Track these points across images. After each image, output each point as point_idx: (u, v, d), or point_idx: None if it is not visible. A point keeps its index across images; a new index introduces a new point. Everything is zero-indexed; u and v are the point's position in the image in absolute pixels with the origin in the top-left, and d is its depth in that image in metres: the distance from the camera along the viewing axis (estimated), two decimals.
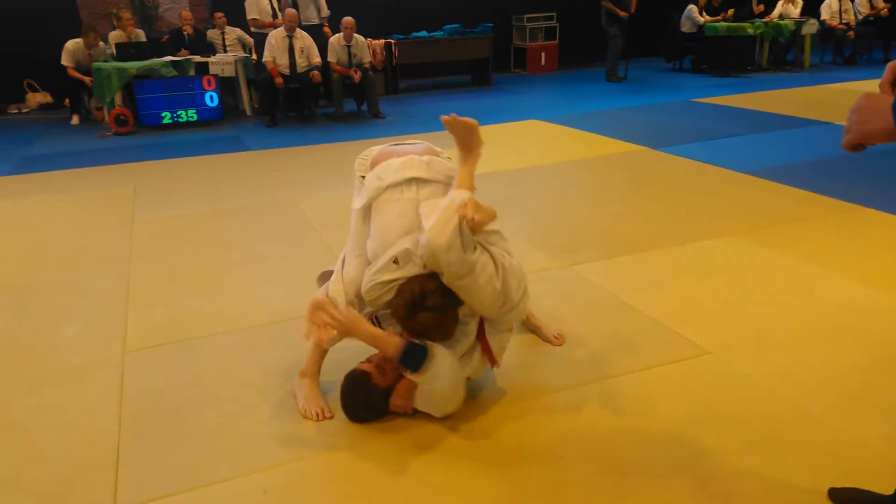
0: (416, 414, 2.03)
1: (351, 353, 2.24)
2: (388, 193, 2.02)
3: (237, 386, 2.29)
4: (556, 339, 2.46)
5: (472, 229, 1.83)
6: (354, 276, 2.05)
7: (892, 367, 2.22)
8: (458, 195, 1.89)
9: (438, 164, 2.12)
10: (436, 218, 1.82)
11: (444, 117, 2.02)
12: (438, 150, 2.25)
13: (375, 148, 2.26)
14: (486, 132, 6.75)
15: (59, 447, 2.00)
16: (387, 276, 1.92)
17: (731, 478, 1.75)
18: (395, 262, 1.92)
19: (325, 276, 2.25)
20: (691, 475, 1.77)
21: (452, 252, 1.79)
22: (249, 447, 1.96)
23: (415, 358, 1.87)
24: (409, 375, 1.89)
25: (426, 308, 1.84)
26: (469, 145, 2.03)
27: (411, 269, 1.90)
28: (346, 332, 1.95)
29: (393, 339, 1.90)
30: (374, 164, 2.16)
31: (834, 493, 1.64)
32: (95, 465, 1.91)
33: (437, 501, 1.73)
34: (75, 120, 7.66)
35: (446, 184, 2.05)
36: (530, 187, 4.47)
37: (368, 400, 2.01)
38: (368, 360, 2.07)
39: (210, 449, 1.97)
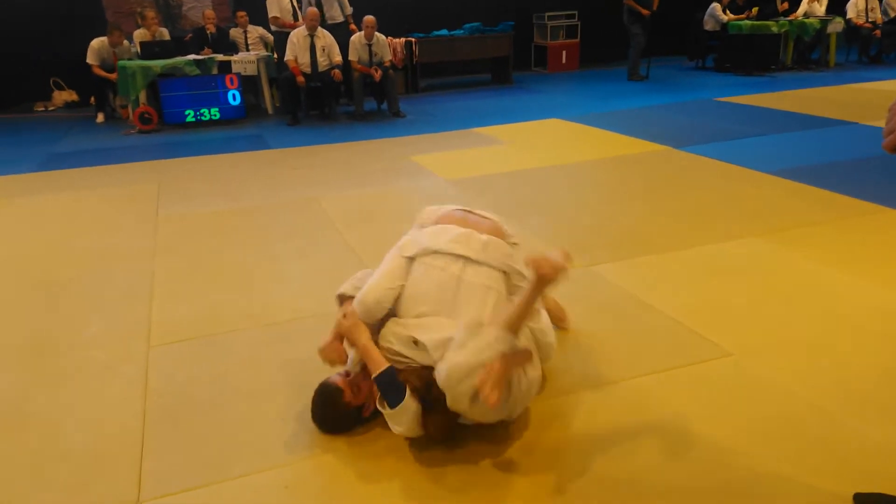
0: None
1: None
2: (434, 259, 2.01)
3: (259, 382, 2.31)
4: (561, 321, 2.51)
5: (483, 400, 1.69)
6: (380, 298, 2.02)
7: None
8: (489, 345, 1.70)
9: (496, 247, 2.06)
10: (462, 358, 1.70)
11: (529, 258, 1.75)
12: (507, 230, 2.19)
13: (448, 207, 2.26)
14: (506, 131, 6.79)
15: (84, 441, 2.04)
16: (400, 348, 1.93)
17: (752, 479, 1.74)
18: (415, 342, 1.90)
19: (342, 298, 2.23)
20: (713, 477, 1.76)
21: (459, 401, 1.73)
22: (271, 442, 1.99)
23: (393, 393, 1.85)
24: (378, 403, 1.91)
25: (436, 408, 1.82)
26: (546, 282, 1.75)
27: (425, 358, 1.88)
28: (346, 333, 1.99)
29: (381, 363, 1.91)
30: (437, 220, 2.16)
31: (859, 498, 1.62)
32: (119, 459, 1.95)
33: (460, 499, 1.73)
34: (100, 118, 7.78)
35: (499, 269, 2.02)
36: (550, 187, 4.46)
37: (337, 414, 1.99)
38: (346, 374, 2.04)
39: (232, 444, 1.99)
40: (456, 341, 1.75)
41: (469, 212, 2.22)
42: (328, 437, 2.00)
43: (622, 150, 5.30)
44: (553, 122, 6.58)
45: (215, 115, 7.32)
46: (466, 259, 1.99)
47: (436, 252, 2.01)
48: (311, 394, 2.19)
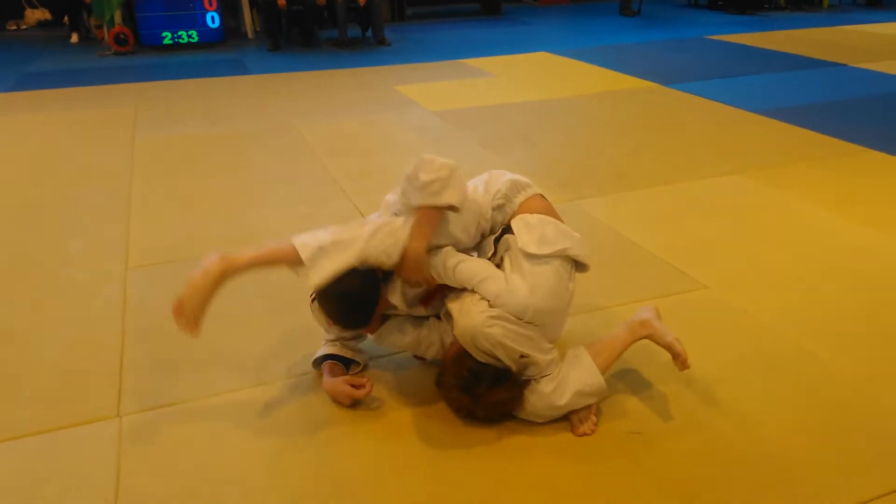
0: None
1: None
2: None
3: (238, 305, 2.31)
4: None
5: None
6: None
7: (890, 308, 2.24)
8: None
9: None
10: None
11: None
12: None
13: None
14: (494, 63, 6.64)
15: (63, 358, 2.04)
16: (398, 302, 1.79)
17: (717, 407, 1.79)
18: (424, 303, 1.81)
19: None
20: (679, 402, 1.81)
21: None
22: (251, 363, 2.00)
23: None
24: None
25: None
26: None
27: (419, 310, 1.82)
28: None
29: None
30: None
31: None
32: (98, 375, 1.95)
33: (441, 424, 1.77)
34: (74, 38, 7.49)
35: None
36: (537, 120, 4.41)
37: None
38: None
39: (211, 364, 2.00)
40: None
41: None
42: (308, 359, 2.01)
43: (611, 86, 5.23)
44: (542, 56, 6.45)
45: (193, 38, 7.08)
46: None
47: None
48: (289, 319, 2.20)
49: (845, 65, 5.72)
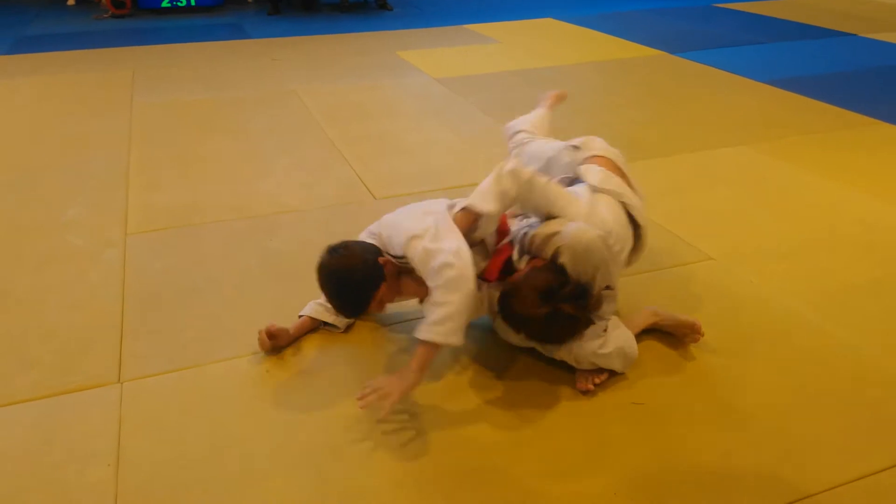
0: None
1: None
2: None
3: (239, 272, 2.29)
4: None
5: None
6: None
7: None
8: None
9: None
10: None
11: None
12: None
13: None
14: (499, 29, 6.52)
15: (64, 324, 2.02)
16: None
17: (720, 378, 1.78)
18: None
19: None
20: (682, 373, 1.80)
21: None
22: (252, 329, 1.97)
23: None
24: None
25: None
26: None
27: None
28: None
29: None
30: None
31: None
32: (99, 341, 1.94)
33: (445, 388, 1.76)
34: (71, 0, 7.35)
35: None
36: (541, 89, 4.29)
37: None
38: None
39: (212, 329, 1.99)
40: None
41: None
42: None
43: (617, 54, 5.14)
44: (547, 22, 6.33)
45: (192, 1, 6.94)
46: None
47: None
48: (290, 286, 2.18)
49: (855, 34, 5.62)
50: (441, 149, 3.36)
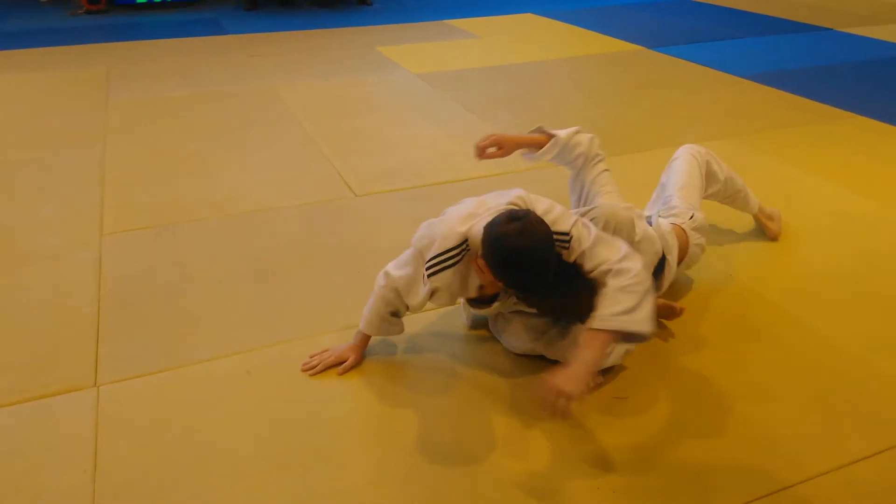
0: None
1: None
2: None
3: (219, 271, 2.26)
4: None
5: None
6: None
7: (872, 272, 2.24)
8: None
9: None
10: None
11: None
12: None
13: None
14: (480, 24, 6.48)
15: (38, 325, 1.98)
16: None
17: (700, 373, 1.79)
18: None
19: None
20: (661, 366, 1.81)
21: None
22: (232, 329, 1.96)
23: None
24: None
25: None
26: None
27: None
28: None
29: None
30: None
31: None
32: (75, 343, 1.90)
33: (415, 384, 1.75)
34: None
35: None
36: (522, 84, 4.33)
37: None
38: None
39: (192, 330, 1.96)
40: None
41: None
42: (291, 327, 1.97)
43: (596, 49, 5.15)
44: (527, 17, 6.33)
45: None
46: None
47: None
48: (271, 284, 2.16)
49: (832, 29, 5.68)
50: (422, 145, 3.35)
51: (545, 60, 4.85)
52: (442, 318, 2.01)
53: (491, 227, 1.53)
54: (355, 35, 5.66)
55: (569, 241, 1.59)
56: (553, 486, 1.46)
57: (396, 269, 1.74)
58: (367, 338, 1.83)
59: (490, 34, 5.64)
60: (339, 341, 1.88)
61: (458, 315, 2.01)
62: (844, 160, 3.11)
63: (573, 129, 1.97)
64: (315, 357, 1.81)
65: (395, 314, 1.81)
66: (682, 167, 2.19)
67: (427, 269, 1.64)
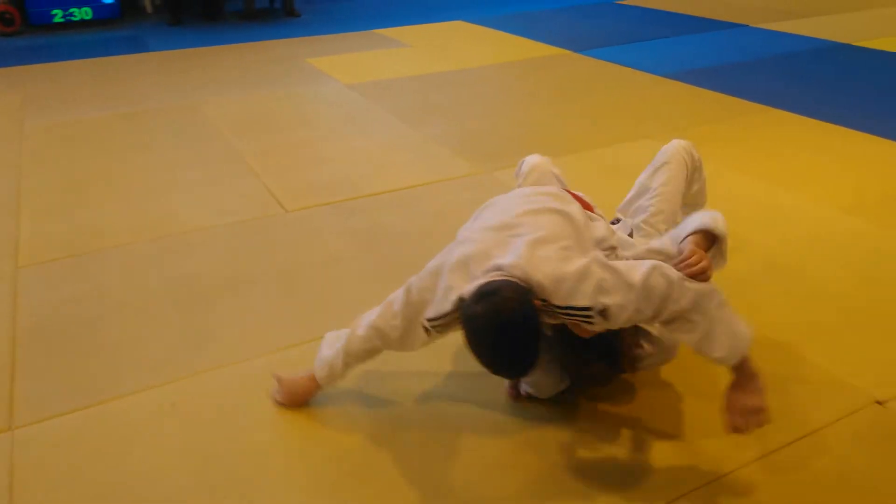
0: None
1: None
2: None
3: (143, 298, 2.18)
4: None
5: None
6: None
7: (793, 259, 2.32)
8: None
9: None
10: None
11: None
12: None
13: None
14: (410, 32, 6.45)
15: None
16: None
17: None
18: None
19: None
20: None
21: None
22: (156, 360, 1.89)
23: None
24: None
25: None
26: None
27: None
28: None
29: None
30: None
31: None
32: None
33: (359, 409, 1.72)
34: None
35: None
36: (454, 91, 4.35)
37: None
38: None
39: (114, 363, 1.88)
40: None
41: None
42: (218, 352, 1.92)
43: (525, 54, 5.21)
44: (457, 25, 6.36)
45: (87, 15, 6.61)
46: None
47: None
48: (199, 311, 2.09)
49: (747, 25, 5.90)
50: (355, 156, 3.32)
51: (476, 67, 4.88)
52: None
53: (463, 306, 1.34)
54: (284, 47, 5.59)
55: (590, 317, 1.34)
56: (497, 482, 1.45)
57: (385, 320, 1.53)
58: (317, 385, 1.66)
59: (421, 43, 5.65)
60: (271, 365, 1.84)
61: None
62: (764, 153, 3.22)
63: (709, 218, 1.64)
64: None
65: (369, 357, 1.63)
66: (672, 177, 2.00)
67: (431, 324, 1.45)
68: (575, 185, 2.91)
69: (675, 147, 2.04)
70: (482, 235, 1.48)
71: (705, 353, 1.40)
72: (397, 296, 1.53)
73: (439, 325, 1.44)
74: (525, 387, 1.67)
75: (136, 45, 5.78)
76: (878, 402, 1.66)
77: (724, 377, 1.44)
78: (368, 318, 1.58)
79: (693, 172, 2.04)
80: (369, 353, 1.61)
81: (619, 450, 1.56)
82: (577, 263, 1.35)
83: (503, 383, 1.70)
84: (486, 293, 1.30)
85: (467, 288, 1.35)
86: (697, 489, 1.44)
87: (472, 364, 1.39)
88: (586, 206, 1.68)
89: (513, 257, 1.37)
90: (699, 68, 4.64)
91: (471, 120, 3.81)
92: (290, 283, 2.25)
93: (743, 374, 1.42)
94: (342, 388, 1.76)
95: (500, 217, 1.52)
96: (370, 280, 2.25)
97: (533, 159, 2.10)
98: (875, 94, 4.01)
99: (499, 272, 1.35)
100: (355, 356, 1.61)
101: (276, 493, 1.47)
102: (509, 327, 1.29)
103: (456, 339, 1.50)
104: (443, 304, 1.41)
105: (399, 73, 4.75)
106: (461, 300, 1.35)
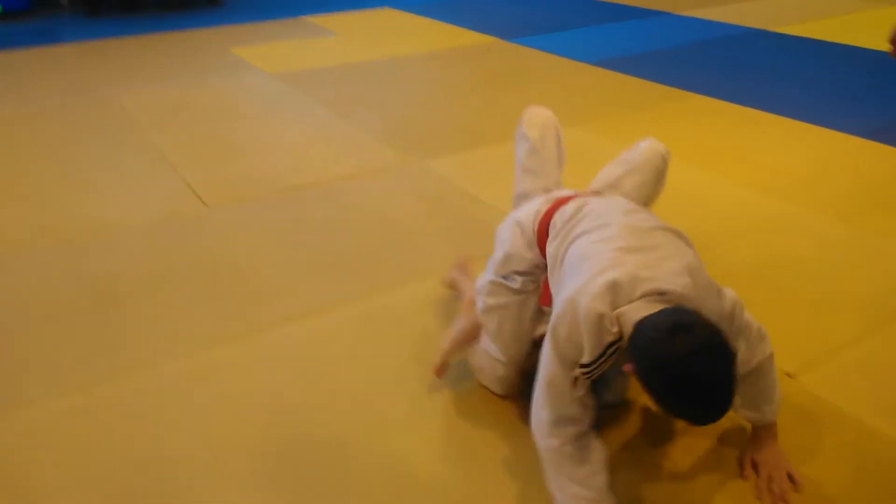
0: None
1: None
2: None
3: (53, 303, 2.07)
4: None
5: None
6: None
7: (710, 242, 2.39)
8: None
9: None
10: None
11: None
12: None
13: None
14: (338, 20, 6.35)
15: None
16: None
17: None
18: None
19: None
20: None
21: None
22: (67, 366, 1.80)
23: None
24: None
25: None
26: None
27: None
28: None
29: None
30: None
31: None
32: None
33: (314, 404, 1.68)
34: None
35: None
36: (382, 80, 4.30)
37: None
38: None
39: (21, 373, 1.78)
40: None
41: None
42: (134, 355, 1.84)
43: (454, 43, 5.20)
44: (386, 12, 6.29)
45: None
46: None
47: None
48: (115, 314, 2.00)
49: (671, 13, 6.04)
50: (279, 148, 3.24)
51: (404, 56, 4.83)
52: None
53: (649, 341, 1.10)
54: (206, 36, 5.41)
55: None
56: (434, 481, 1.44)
57: (561, 406, 1.26)
58: None
59: (348, 30, 5.56)
60: (191, 366, 1.78)
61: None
62: (688, 138, 3.30)
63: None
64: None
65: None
66: (642, 182, 1.91)
67: (584, 370, 1.23)
68: (504, 176, 2.93)
69: (648, 147, 1.93)
70: (618, 256, 1.25)
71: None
72: (545, 370, 1.26)
73: (593, 370, 1.22)
74: (608, 395, 1.55)
75: (47, 37, 5.48)
76: (788, 375, 1.72)
77: None
78: (542, 429, 1.29)
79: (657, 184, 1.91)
80: (585, 448, 1.29)
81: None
82: (729, 300, 1.26)
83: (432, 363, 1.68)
84: (683, 325, 1.09)
85: (646, 317, 1.13)
86: None
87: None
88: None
89: (677, 286, 1.18)
90: (625, 56, 4.73)
91: (399, 109, 3.78)
92: (212, 280, 2.18)
93: (766, 434, 1.43)
94: (270, 390, 1.72)
95: (626, 235, 1.32)
96: (295, 275, 2.20)
97: (542, 112, 2.02)
98: (789, 79, 4.17)
99: (661, 296, 1.17)
100: (571, 471, 1.27)
101: (202, 498, 1.42)
102: (719, 365, 1.09)
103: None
104: (598, 342, 1.18)
105: (325, 62, 4.67)
106: (642, 334, 1.12)
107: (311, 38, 5.35)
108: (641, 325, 1.13)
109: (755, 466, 1.42)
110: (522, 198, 1.85)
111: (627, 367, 1.17)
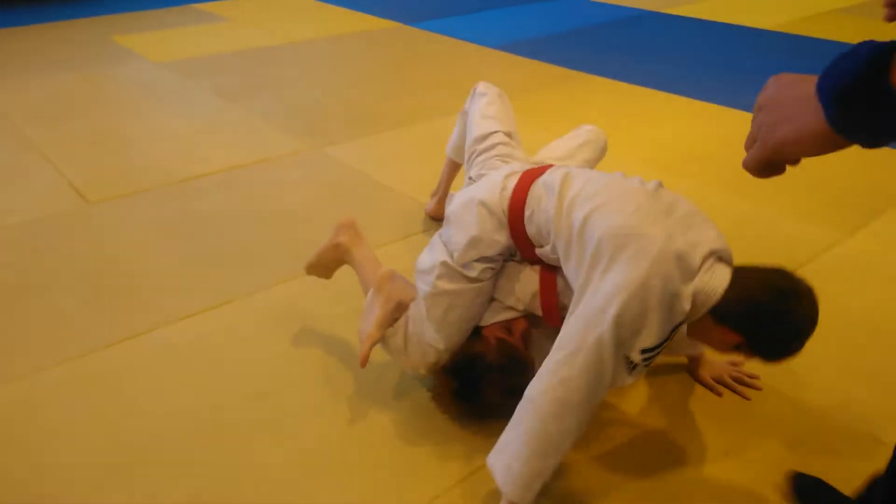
0: None
1: None
2: None
3: None
4: None
5: None
6: None
7: None
8: None
9: None
10: None
11: None
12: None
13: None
14: (229, 6, 6.07)
15: None
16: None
17: None
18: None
19: None
20: None
21: None
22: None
23: None
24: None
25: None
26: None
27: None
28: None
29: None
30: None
31: (799, 482, 1.35)
32: None
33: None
34: None
35: None
36: (278, 66, 4.15)
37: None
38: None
39: None
40: None
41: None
42: (13, 365, 1.68)
43: (353, 27, 5.09)
44: None
45: None
46: None
47: None
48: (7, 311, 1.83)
49: None
50: (167, 138, 3.06)
51: (302, 41, 4.69)
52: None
53: (771, 315, 1.20)
54: (87, 26, 5.05)
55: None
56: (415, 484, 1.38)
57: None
58: None
59: (240, 16, 5.34)
60: (69, 374, 1.64)
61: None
62: (586, 118, 3.35)
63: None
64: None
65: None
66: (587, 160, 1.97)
67: (646, 360, 1.21)
68: (407, 160, 2.89)
69: (596, 131, 2.07)
70: (662, 227, 1.23)
71: None
72: (596, 366, 1.18)
73: (655, 354, 1.21)
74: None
75: None
76: None
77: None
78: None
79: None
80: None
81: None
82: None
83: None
84: (794, 290, 1.21)
85: (747, 292, 1.20)
86: None
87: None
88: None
89: (719, 241, 1.26)
90: (525, 39, 4.77)
91: (297, 96, 3.65)
92: (97, 281, 2.02)
93: None
94: (162, 391, 1.60)
95: (648, 200, 1.29)
96: (187, 271, 2.07)
97: (493, 88, 2.11)
98: (679, 57, 4.32)
99: (717, 258, 1.24)
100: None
101: None
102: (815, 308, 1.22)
103: None
104: (669, 324, 1.19)
105: (217, 49, 4.46)
106: (760, 308, 1.20)
107: (201, 24, 5.10)
108: (750, 301, 1.20)
109: (716, 381, 1.61)
110: (479, 140, 1.82)
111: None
